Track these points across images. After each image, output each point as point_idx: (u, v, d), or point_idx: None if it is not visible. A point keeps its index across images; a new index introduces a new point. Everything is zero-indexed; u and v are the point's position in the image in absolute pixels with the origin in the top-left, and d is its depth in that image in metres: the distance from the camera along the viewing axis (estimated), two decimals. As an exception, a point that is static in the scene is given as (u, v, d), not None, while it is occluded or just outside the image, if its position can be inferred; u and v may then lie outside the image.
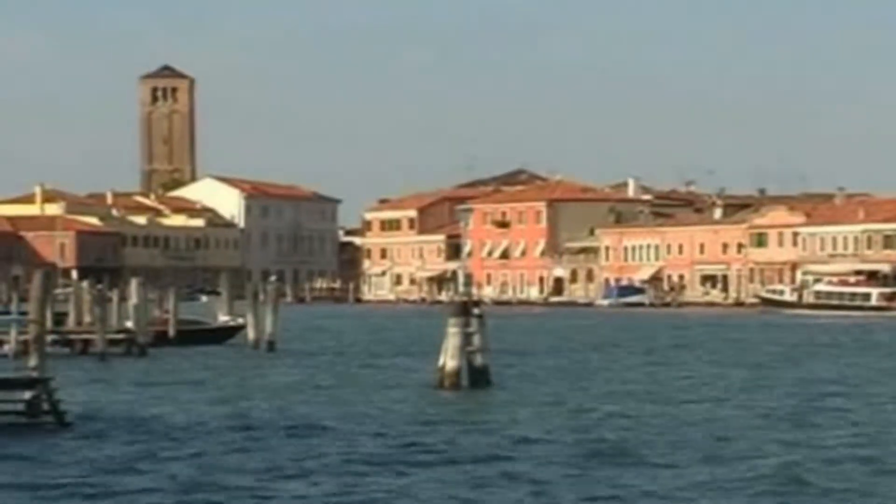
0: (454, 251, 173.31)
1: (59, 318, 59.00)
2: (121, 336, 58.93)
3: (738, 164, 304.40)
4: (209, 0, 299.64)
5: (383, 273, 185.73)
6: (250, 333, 63.85)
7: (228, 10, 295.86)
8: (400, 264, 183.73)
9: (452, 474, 24.09)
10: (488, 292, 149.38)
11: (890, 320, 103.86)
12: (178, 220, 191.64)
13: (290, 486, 22.75)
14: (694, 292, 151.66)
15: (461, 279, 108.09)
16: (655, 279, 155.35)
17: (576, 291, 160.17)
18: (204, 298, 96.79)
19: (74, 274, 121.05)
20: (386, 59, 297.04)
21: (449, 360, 39.12)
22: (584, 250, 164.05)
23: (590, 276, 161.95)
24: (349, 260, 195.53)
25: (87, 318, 60.73)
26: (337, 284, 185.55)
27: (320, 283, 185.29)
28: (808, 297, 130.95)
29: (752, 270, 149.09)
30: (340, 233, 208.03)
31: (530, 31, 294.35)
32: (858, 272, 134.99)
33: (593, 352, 62.74)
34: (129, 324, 61.07)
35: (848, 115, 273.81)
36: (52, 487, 22.41)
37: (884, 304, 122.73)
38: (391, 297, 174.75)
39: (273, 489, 22.47)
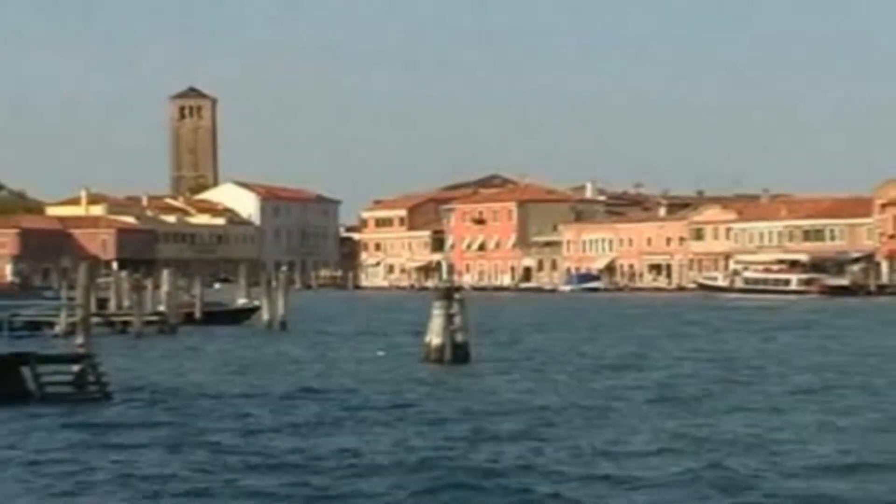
0: (438, 244, 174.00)
1: (102, 303, 59.05)
2: (154, 318, 59.00)
3: (680, 169, 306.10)
4: (229, 31, 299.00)
5: (378, 264, 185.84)
6: (265, 315, 63.96)
7: (246, 39, 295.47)
8: (392, 256, 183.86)
9: (427, 432, 24.17)
10: (468, 279, 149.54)
11: (806, 302, 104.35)
12: (203, 219, 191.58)
13: (297, 440, 22.77)
14: (643, 280, 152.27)
15: (444, 268, 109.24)
16: (609, 268, 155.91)
17: (542, 278, 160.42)
18: (217, 286, 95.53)
19: (115, 265, 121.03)
20: (381, 78, 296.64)
21: (434, 337, 39.20)
22: (548, 243, 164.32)
23: (554, 266, 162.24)
24: (349, 252, 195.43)
25: (125, 303, 60.91)
26: (338, 273, 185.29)
27: (324, 273, 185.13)
28: (739, 283, 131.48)
29: (691, 260, 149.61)
30: (341, 229, 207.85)
31: (502, 57, 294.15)
32: (781, 261, 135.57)
33: (560, 330, 62.89)
34: (162, 307, 61.14)
35: (774, 125, 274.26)
36: (97, 447, 22.44)
37: (802, 288, 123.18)
38: (385, 284, 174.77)
39: (280, 441, 22.53)
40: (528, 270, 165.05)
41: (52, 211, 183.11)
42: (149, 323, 57.30)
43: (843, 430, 24.39)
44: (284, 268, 79.39)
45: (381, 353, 43.05)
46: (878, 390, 31.73)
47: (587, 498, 17.64)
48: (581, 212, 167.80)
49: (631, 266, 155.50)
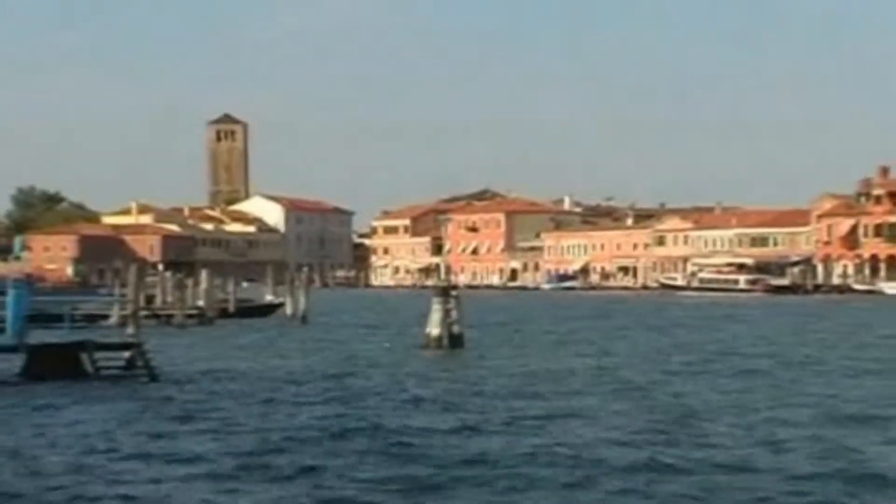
0: (437, 249, 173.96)
1: (149, 298, 58.99)
2: (194, 311, 59.06)
3: (645, 184, 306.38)
4: (258, 67, 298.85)
5: (385, 265, 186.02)
6: (288, 309, 64.03)
7: (272, 75, 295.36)
8: (398, 259, 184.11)
9: (427, 403, 24.25)
10: (462, 279, 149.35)
11: (752, 299, 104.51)
12: (236, 227, 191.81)
13: (319, 411, 22.68)
14: (614, 279, 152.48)
15: (442, 270, 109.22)
16: (584, 270, 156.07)
17: (526, 278, 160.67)
18: (244, 284, 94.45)
19: (160, 266, 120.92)
20: (388, 108, 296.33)
21: (433, 328, 39.33)
22: (532, 248, 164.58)
23: (536, 267, 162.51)
24: (361, 256, 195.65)
25: (169, 299, 60.81)
26: (352, 274, 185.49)
27: (340, 273, 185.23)
28: (695, 283, 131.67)
29: (654, 263, 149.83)
30: (354, 236, 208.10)
31: (493, 86, 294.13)
32: (731, 264, 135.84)
33: (541, 322, 62.96)
34: (201, 302, 61.23)
35: (727, 145, 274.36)
36: (148, 419, 22.52)
37: (749, 287, 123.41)
38: (391, 283, 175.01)
39: (300, 411, 22.50)
40: (514, 271, 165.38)
41: (107, 220, 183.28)
42: (189, 316, 57.37)
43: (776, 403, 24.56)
44: (305, 269, 79.41)
45: (386, 345, 43.13)
46: (816, 371, 31.93)
47: (558, 442, 17.78)
48: (560, 221, 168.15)
49: (603, 268, 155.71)
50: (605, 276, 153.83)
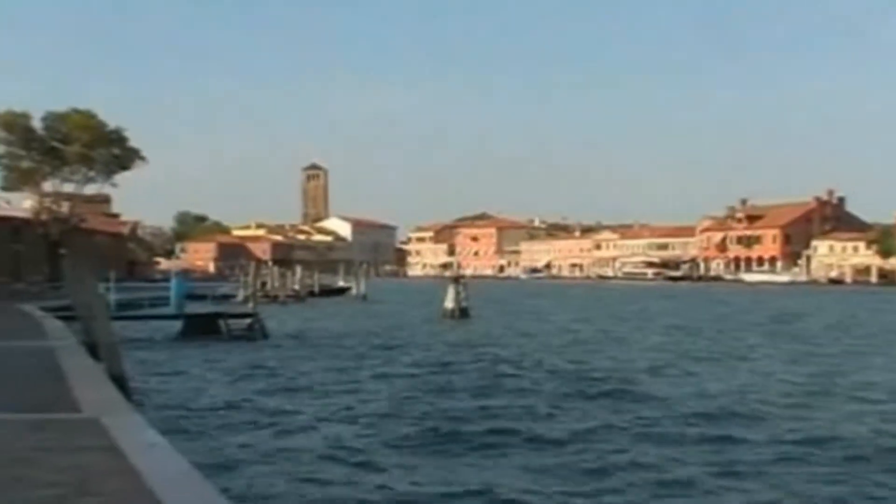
0: (451, 252, 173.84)
1: (263, 284, 58.99)
2: (292, 293, 59.22)
3: (587, 208, 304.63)
4: (336, 132, 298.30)
5: (417, 263, 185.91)
6: (354, 291, 64.19)
7: (344, 137, 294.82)
8: (425, 258, 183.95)
9: (447, 351, 24.27)
10: (468, 272, 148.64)
11: (656, 285, 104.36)
12: (319, 238, 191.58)
13: (377, 361, 22.85)
14: (568, 271, 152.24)
15: (455, 265, 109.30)
16: (548, 266, 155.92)
17: (510, 271, 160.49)
18: (318, 275, 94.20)
19: (270, 263, 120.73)
20: (419, 160, 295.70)
21: (448, 304, 39.41)
22: (513, 251, 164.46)
23: (517, 264, 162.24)
24: (401, 256, 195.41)
25: (276, 284, 61.00)
26: (395, 268, 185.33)
27: (387, 267, 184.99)
28: (620, 274, 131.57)
29: (594, 261, 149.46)
30: (397, 243, 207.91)
31: (470, 133, 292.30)
32: (644, 262, 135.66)
33: (525, 299, 62.87)
34: (296, 286, 61.37)
35: (638, 182, 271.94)
36: (264, 366, 22.60)
37: (655, 277, 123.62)
38: (421, 274, 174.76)
39: (360, 360, 22.40)
40: (502, 266, 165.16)
41: (235, 232, 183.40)
42: (289, 296, 57.56)
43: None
44: (364, 265, 79.44)
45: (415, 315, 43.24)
46: (691, 331, 31.89)
47: (533, 377, 17.84)
48: (532, 234, 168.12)
49: (560, 264, 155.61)
50: (563, 268, 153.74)
